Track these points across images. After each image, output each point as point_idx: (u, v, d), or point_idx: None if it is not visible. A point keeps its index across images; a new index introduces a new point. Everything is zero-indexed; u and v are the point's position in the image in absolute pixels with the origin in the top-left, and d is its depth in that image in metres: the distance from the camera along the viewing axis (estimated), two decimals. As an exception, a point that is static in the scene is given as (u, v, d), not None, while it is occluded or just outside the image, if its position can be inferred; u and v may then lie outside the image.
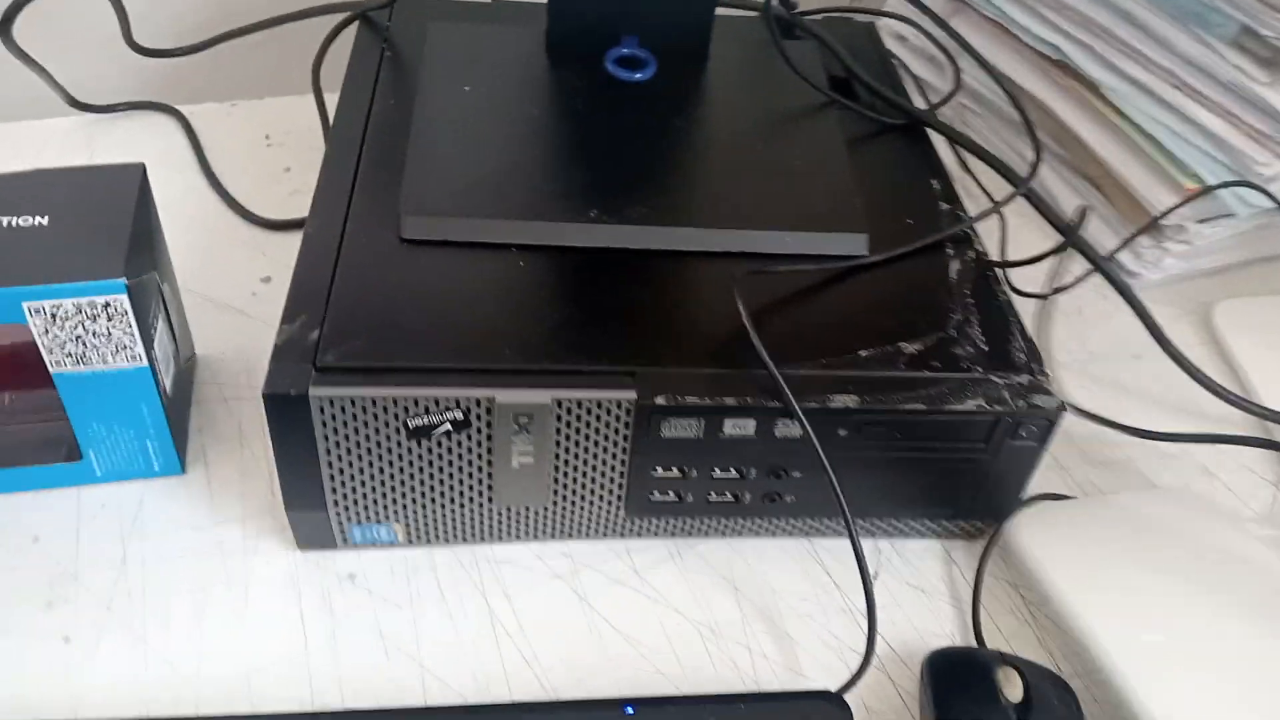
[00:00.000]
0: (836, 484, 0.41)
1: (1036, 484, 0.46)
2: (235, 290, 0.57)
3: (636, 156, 0.49)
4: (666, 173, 0.48)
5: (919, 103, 0.67)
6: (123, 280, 0.40)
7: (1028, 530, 0.46)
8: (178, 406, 0.47)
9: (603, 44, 0.54)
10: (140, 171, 0.45)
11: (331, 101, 0.67)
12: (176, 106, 0.68)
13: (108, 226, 0.42)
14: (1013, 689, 0.40)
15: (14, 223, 0.42)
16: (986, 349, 0.44)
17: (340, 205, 0.46)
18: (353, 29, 0.65)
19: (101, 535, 0.45)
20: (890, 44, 0.72)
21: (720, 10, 0.56)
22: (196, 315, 0.55)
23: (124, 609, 0.43)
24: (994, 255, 0.62)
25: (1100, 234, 0.64)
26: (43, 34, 0.64)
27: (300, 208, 0.61)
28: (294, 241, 0.59)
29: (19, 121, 0.67)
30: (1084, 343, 0.59)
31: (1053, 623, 0.45)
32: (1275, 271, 0.66)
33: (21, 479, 0.46)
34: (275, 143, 0.67)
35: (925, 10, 0.59)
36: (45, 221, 0.42)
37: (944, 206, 0.51)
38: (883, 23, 0.70)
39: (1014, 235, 0.61)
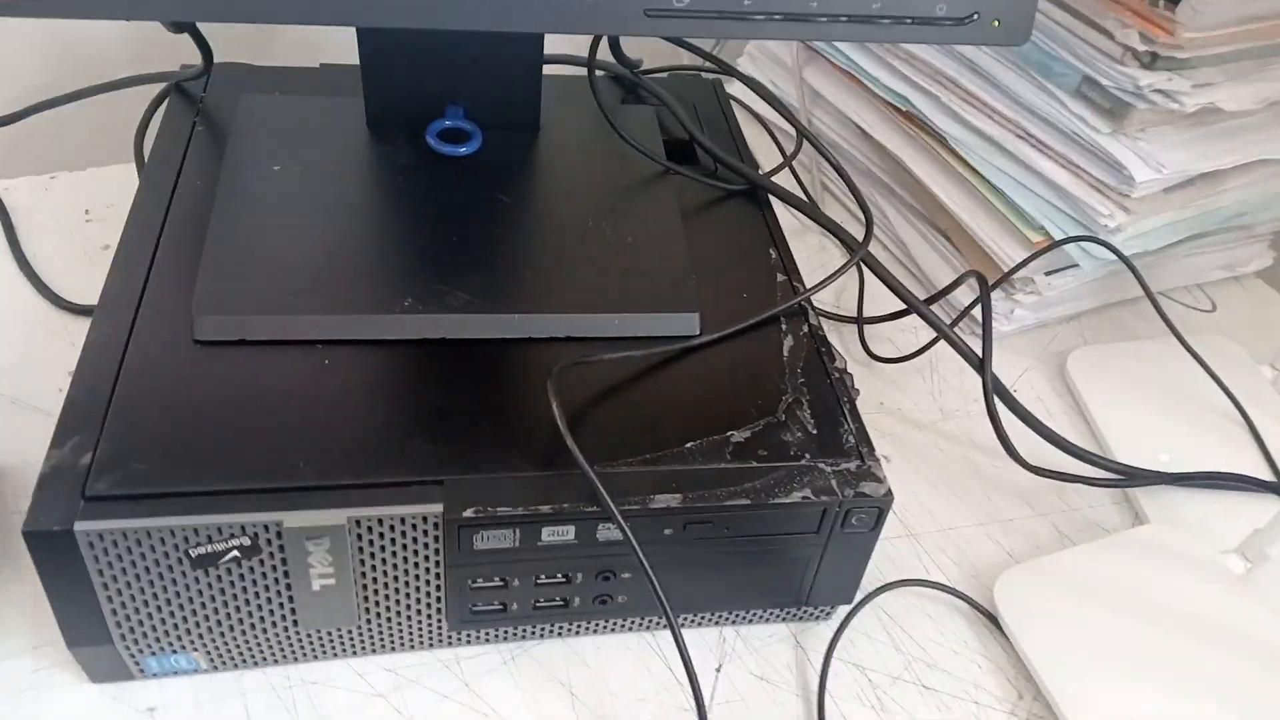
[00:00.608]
0: (658, 588, 0.38)
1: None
2: (40, 387, 0.52)
3: (458, 239, 0.46)
4: (490, 255, 0.46)
5: (773, 152, 0.66)
6: None
7: (1007, 601, 0.47)
8: (-42, 529, 0.43)
9: (425, 115, 0.51)
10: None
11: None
12: (-12, 182, 0.64)
13: None
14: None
15: None
16: (815, 433, 0.42)
17: (130, 304, 0.43)
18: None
19: None
20: (743, 91, 0.71)
21: (559, 69, 0.54)
22: (1, 418, 0.51)
23: (-111, 766, 0.39)
24: (848, 313, 0.61)
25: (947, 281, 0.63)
26: None
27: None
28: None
29: None
30: (937, 401, 0.58)
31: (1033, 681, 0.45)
32: (1128, 314, 0.66)
33: None
34: (95, 218, 0.63)
35: (755, 81, 0.57)
36: None
37: (780, 278, 0.49)
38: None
39: (873, 289, 0.60)
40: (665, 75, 0.64)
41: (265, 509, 0.36)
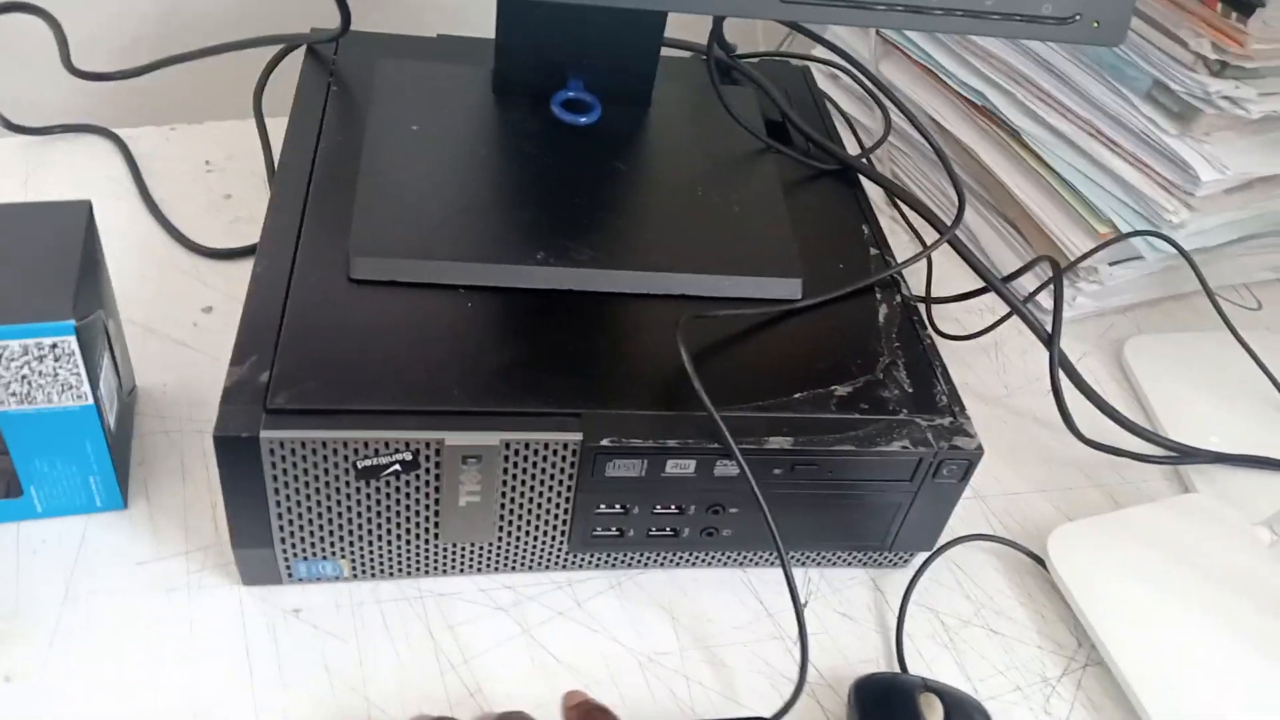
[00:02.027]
0: (771, 522, 0.43)
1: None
2: (176, 321, 0.57)
3: (582, 200, 0.50)
4: (611, 216, 0.50)
5: (851, 142, 0.70)
6: (71, 322, 0.40)
7: (1062, 552, 0.51)
8: (120, 441, 0.48)
9: (549, 86, 0.55)
10: (87, 209, 0.45)
11: (273, 127, 0.68)
12: (114, 130, 0.68)
13: (55, 266, 0.42)
14: (933, 713, 0.43)
15: (-41, 261, 0.42)
16: (911, 392, 0.46)
17: (289, 244, 0.47)
18: (292, 57, 0.66)
19: (43, 571, 0.45)
20: (823, 83, 0.74)
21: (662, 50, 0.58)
22: (137, 346, 0.55)
23: (67, 646, 0.43)
24: (920, 293, 0.65)
25: (1013, 266, 0.67)
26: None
27: (241, 236, 0.62)
28: (234, 270, 0.60)
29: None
30: (1001, 378, 0.62)
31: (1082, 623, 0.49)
32: (1180, 308, 0.70)
33: (-41, 514, 0.46)
34: (215, 168, 0.67)
35: (851, 61, 0.61)
36: (-8, 260, 0.42)
37: (873, 251, 0.53)
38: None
39: (938, 271, 0.64)
40: (756, 61, 0.68)
41: (427, 428, 0.40)
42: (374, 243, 0.46)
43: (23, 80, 0.68)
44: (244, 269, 0.60)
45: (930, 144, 0.56)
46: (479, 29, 0.66)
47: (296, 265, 0.46)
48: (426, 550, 0.45)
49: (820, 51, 0.74)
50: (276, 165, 0.51)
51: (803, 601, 0.49)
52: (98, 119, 0.69)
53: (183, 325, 0.57)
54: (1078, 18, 0.46)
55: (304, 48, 0.61)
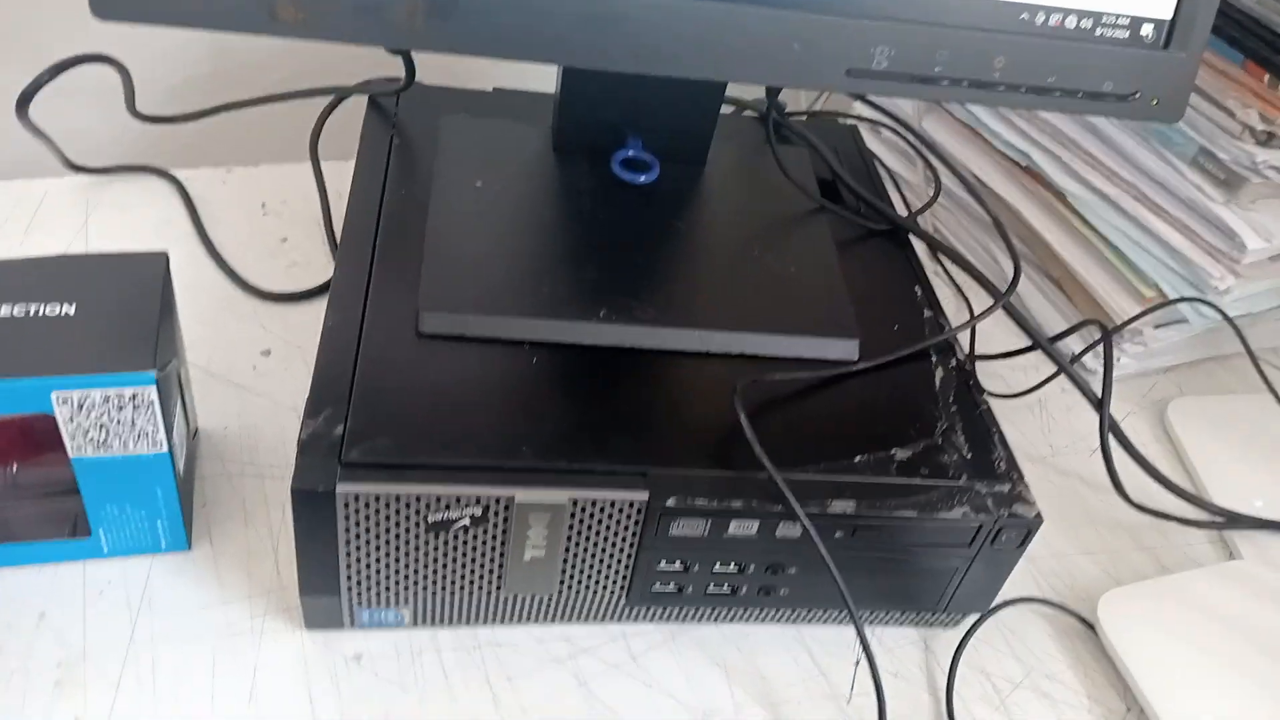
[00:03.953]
0: (843, 585, 0.43)
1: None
2: (235, 363, 0.58)
3: (642, 258, 0.51)
4: (670, 275, 0.51)
5: (897, 200, 0.71)
6: (152, 373, 0.41)
7: (1112, 617, 0.51)
8: (185, 484, 0.48)
9: (608, 144, 0.56)
10: (164, 261, 0.46)
11: (328, 172, 0.69)
12: (172, 171, 0.69)
13: (135, 316, 0.43)
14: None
15: (42, 310, 0.43)
16: (970, 457, 0.47)
17: (358, 298, 0.48)
18: (348, 103, 0.67)
19: (109, 613, 0.46)
20: (866, 137, 0.75)
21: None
22: (197, 387, 0.56)
23: (133, 689, 0.44)
24: (964, 348, 0.66)
25: (1057, 326, 0.67)
26: (44, 97, 0.65)
27: (298, 280, 0.63)
28: (292, 314, 0.61)
29: (13, 180, 0.67)
30: (1046, 437, 0.63)
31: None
32: (1222, 369, 0.70)
33: (27, 553, 0.47)
34: (271, 211, 0.68)
35: (903, 124, 0.62)
36: (72, 310, 0.43)
37: (927, 314, 0.54)
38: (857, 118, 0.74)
39: (980, 326, 0.65)
40: (804, 119, 0.69)
41: (497, 484, 0.41)
42: (442, 299, 0.47)
43: (84, 122, 0.69)
44: (302, 313, 0.61)
45: (984, 209, 0.57)
46: (532, 81, 0.67)
47: (366, 319, 0.47)
48: (488, 601, 0.46)
49: (868, 111, 0.75)
50: (344, 219, 0.52)
51: (855, 660, 0.49)
52: (152, 159, 0.70)
53: (242, 368, 0.58)
54: (1138, 95, 0.47)
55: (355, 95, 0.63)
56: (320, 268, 0.64)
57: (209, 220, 0.67)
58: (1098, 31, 0.46)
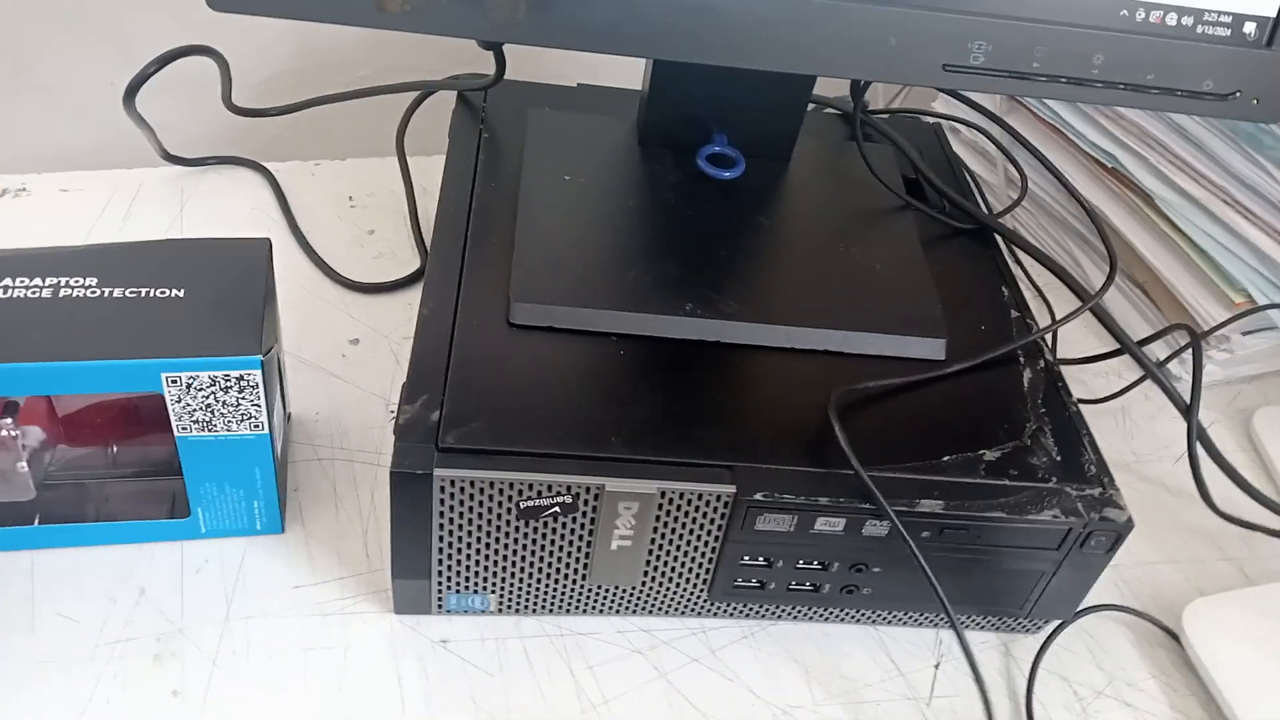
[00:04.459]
0: (936, 584, 0.43)
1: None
2: (325, 351, 0.59)
3: (727, 253, 0.52)
4: (756, 271, 0.51)
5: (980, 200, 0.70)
6: (259, 356, 0.42)
7: (1197, 627, 0.50)
8: (280, 467, 0.50)
9: (693, 139, 0.57)
10: (267, 247, 0.47)
11: (414, 165, 0.71)
12: (263, 163, 0.71)
13: (241, 301, 0.44)
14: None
15: (153, 293, 0.44)
16: (1059, 459, 0.46)
17: (451, 288, 0.49)
18: (431, 99, 0.68)
19: (206, 591, 0.47)
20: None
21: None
22: (289, 373, 0.57)
23: (229, 665, 0.45)
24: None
25: (1141, 331, 0.66)
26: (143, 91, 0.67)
27: (385, 271, 0.64)
28: (380, 305, 0.62)
29: (111, 170, 0.69)
30: (1129, 443, 0.62)
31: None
32: (1310, 380, 0.69)
33: (128, 532, 0.48)
34: (359, 204, 0.70)
35: (990, 115, 0.62)
36: (182, 294, 0.44)
37: (1014, 314, 0.53)
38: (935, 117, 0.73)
39: (1061, 330, 0.64)
40: (887, 117, 0.69)
41: (589, 473, 0.42)
42: (533, 291, 0.48)
43: (175, 112, 0.71)
44: (389, 303, 0.62)
45: (1082, 207, 0.56)
46: (614, 78, 0.68)
47: (459, 310, 0.48)
48: (573, 590, 0.46)
49: (951, 108, 0.75)
50: (436, 211, 0.53)
51: (934, 663, 0.49)
52: (241, 151, 0.72)
53: (331, 356, 0.59)
54: (1238, 94, 0.46)
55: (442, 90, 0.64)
56: (406, 260, 0.66)
57: (298, 212, 0.68)
58: (1198, 29, 0.45)
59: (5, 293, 0.43)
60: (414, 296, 0.63)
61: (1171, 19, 0.45)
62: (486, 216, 0.53)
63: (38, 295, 0.43)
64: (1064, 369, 0.64)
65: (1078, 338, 0.67)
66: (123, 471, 0.49)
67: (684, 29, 0.44)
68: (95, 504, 0.48)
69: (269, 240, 0.47)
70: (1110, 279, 0.53)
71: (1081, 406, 0.50)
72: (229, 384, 0.43)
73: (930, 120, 0.68)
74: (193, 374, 0.42)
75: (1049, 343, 0.54)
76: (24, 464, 0.45)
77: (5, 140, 0.80)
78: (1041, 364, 0.51)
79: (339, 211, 0.69)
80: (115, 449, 0.50)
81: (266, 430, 0.45)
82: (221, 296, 0.44)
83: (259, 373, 0.43)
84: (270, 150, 0.73)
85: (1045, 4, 0.44)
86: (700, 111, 0.57)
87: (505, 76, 0.63)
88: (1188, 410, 0.53)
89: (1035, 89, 0.46)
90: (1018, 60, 0.45)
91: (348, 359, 0.59)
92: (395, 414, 0.44)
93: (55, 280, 0.44)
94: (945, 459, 0.45)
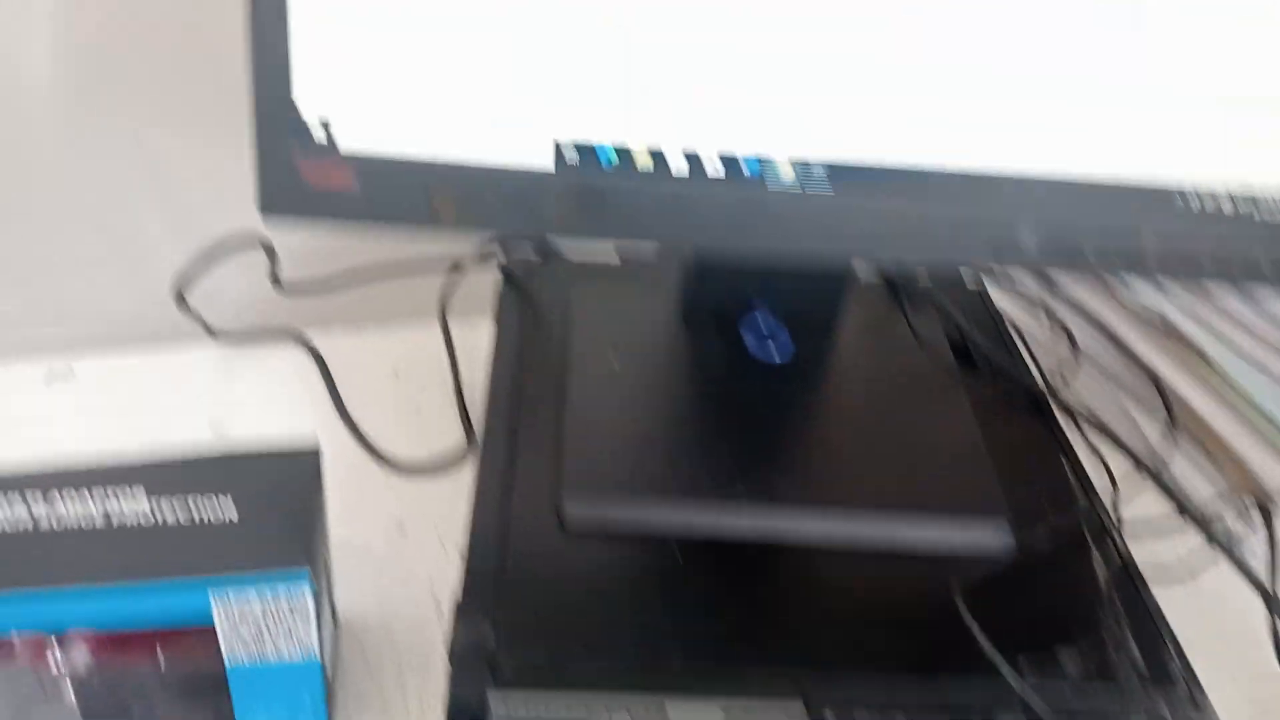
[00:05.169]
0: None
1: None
2: (370, 539, 0.58)
3: (783, 442, 0.51)
4: (811, 460, 0.51)
5: (1026, 357, 0.69)
6: (309, 581, 0.41)
7: None
8: (329, 685, 0.48)
9: (736, 310, 0.57)
10: (316, 459, 0.47)
11: (455, 331, 0.70)
12: (306, 333, 0.71)
13: (292, 519, 0.44)
14: None
15: (203, 512, 0.43)
16: (1141, 659, 0.44)
17: (502, 488, 0.48)
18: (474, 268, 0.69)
19: (253, 814, 0.45)
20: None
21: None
22: (334, 564, 0.56)
23: None
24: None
25: (1199, 488, 0.64)
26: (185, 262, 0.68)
27: (432, 450, 0.63)
28: (429, 489, 0.61)
29: (155, 354, 0.69)
30: (1200, 618, 0.59)
31: None
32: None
33: (175, 749, 0.47)
34: (403, 376, 0.70)
35: (1036, 272, 0.61)
36: (234, 512, 0.44)
37: (1079, 493, 0.52)
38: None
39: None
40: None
41: (648, 692, 0.40)
42: (585, 496, 0.48)
43: (217, 285, 0.72)
44: (437, 486, 0.61)
45: (1142, 369, 0.55)
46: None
47: (511, 517, 0.47)
48: (634, 812, 0.44)
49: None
50: (484, 401, 0.53)
51: None
52: (282, 318, 0.72)
53: (377, 544, 0.58)
54: (1301, 276, 0.46)
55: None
56: (454, 436, 0.65)
57: (343, 387, 0.68)
58: (1256, 218, 0.45)
59: (54, 519, 0.43)
60: (460, 478, 0.62)
61: (1228, 207, 0.45)
62: (534, 409, 0.53)
63: (91, 524, 0.43)
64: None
65: (1131, 492, 0.65)
66: (170, 690, 0.48)
67: (729, 220, 0.44)
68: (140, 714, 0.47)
69: (318, 451, 0.47)
70: (1172, 447, 0.51)
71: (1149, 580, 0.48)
72: (278, 607, 0.42)
73: (972, 287, 0.68)
74: (243, 597, 0.41)
75: (1116, 520, 0.52)
76: (72, 697, 0.44)
77: (52, 315, 0.81)
78: (1115, 552, 0.49)
79: (384, 385, 0.69)
80: (164, 663, 0.49)
81: (316, 656, 0.44)
82: (273, 515, 0.44)
83: (309, 597, 0.42)
84: (313, 316, 0.73)
85: (1095, 198, 0.44)
86: (743, 286, 0.57)
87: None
88: (1267, 597, 0.51)
89: (1088, 269, 0.45)
90: (1068, 248, 0.45)
91: (394, 547, 0.58)
92: (449, 631, 0.42)
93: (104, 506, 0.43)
94: (1019, 658, 0.43)
